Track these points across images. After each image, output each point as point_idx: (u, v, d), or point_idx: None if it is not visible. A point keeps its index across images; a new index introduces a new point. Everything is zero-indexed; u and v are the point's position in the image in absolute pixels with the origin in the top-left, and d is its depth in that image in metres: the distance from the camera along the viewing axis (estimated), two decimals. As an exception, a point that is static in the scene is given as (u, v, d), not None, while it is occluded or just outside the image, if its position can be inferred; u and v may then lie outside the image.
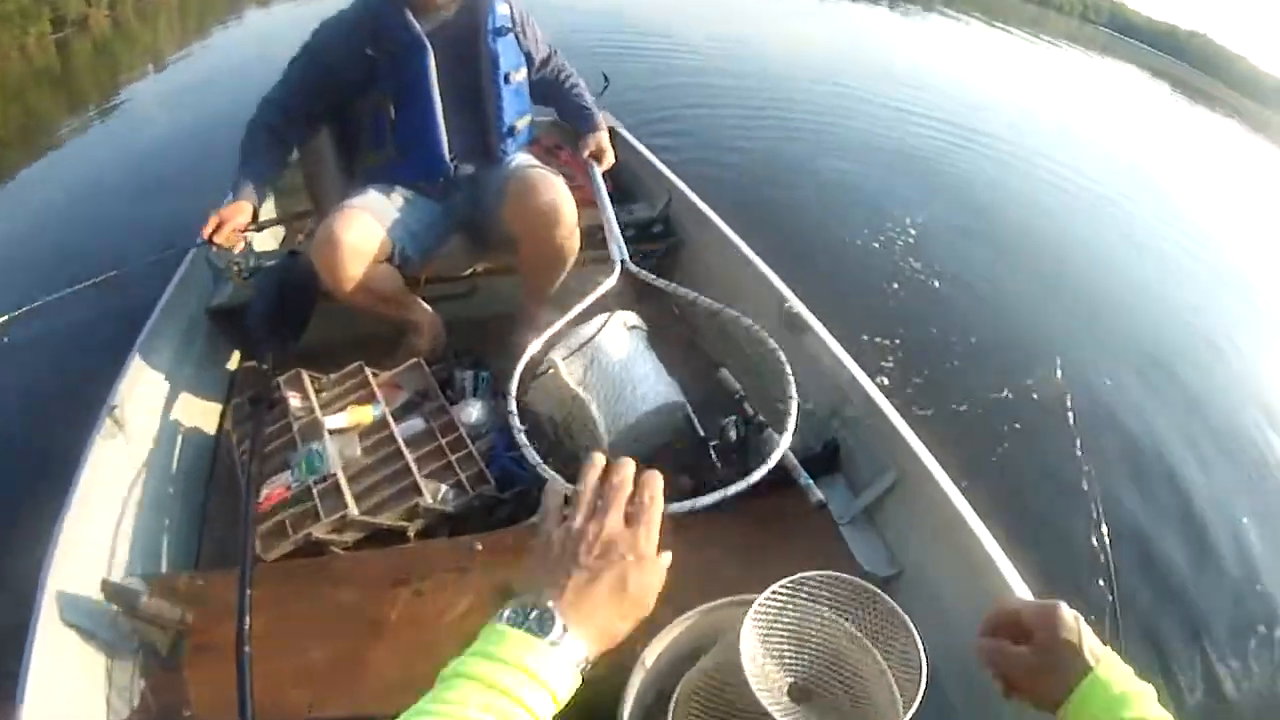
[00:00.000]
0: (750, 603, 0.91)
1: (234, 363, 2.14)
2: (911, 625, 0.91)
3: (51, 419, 2.06)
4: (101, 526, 1.47)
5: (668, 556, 0.60)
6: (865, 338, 2.92)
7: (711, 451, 1.63)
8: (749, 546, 1.44)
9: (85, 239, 3.55)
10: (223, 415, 1.97)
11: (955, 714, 1.23)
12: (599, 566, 0.55)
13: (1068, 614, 0.69)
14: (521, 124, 1.97)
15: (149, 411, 1.77)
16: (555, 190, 1.81)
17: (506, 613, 0.53)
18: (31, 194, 4.49)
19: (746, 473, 1.11)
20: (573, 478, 0.65)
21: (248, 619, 1.21)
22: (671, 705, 1.00)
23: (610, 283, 1.55)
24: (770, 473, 1.17)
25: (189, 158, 4.28)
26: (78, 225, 3.81)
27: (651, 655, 1.03)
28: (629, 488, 0.60)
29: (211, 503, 1.80)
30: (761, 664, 0.91)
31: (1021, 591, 1.19)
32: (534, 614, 0.52)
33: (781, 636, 0.94)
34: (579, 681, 0.52)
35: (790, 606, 0.93)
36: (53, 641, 1.22)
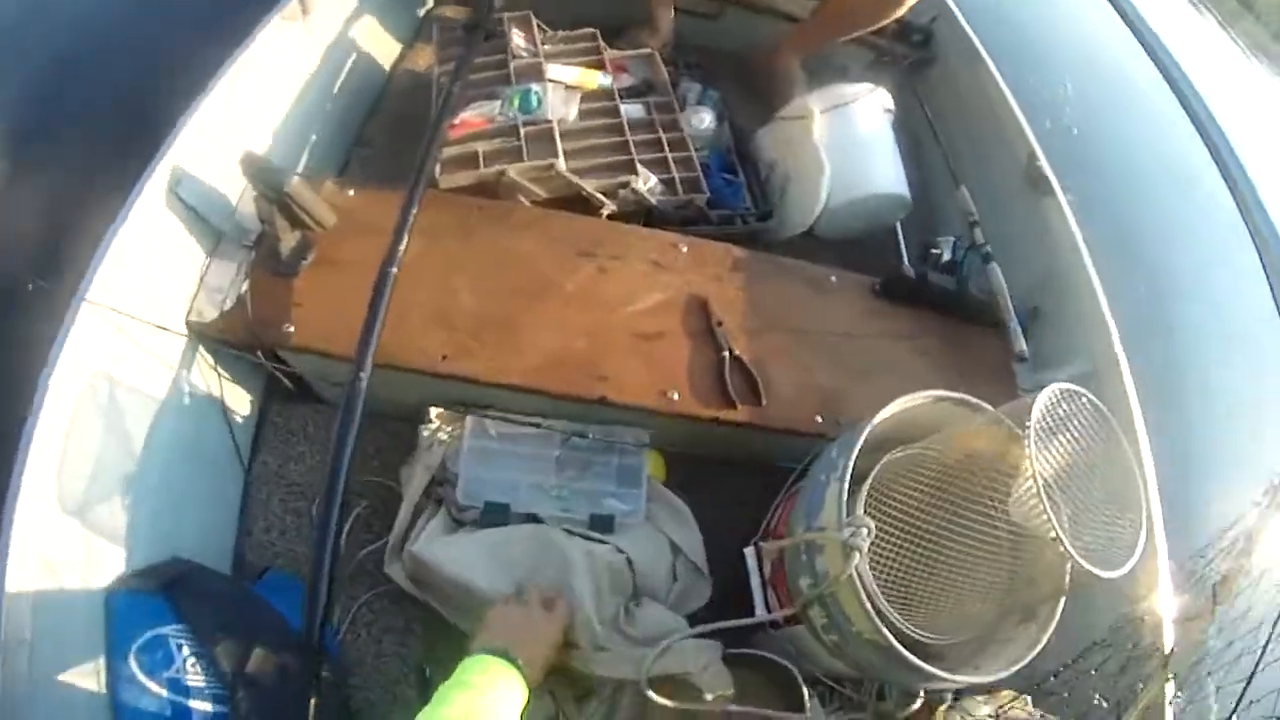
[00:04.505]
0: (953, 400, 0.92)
1: None
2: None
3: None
4: (249, 104, 1.28)
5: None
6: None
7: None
8: (941, 368, 1.34)
9: None
10: (403, 51, 1.85)
11: None
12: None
13: None
14: None
15: (336, 12, 1.60)
16: None
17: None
18: None
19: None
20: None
21: (406, 234, 1.07)
22: (866, 486, 0.89)
23: None
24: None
25: None
26: None
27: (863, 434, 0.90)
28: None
29: (371, 125, 1.69)
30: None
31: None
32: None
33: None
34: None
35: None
36: (148, 216, 1.06)
